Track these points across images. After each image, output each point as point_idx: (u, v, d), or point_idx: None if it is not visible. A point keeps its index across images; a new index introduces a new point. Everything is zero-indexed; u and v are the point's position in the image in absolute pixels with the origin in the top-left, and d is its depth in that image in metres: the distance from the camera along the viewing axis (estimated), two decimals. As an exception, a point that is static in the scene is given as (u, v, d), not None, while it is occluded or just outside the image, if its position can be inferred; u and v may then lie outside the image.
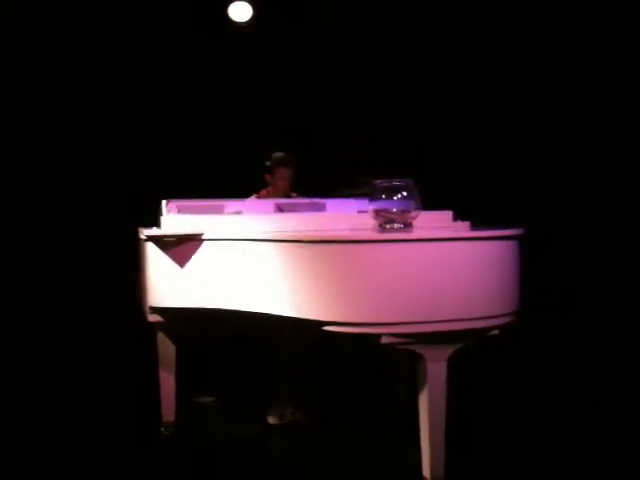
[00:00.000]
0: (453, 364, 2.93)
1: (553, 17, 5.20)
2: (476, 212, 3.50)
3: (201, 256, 3.40)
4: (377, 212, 3.13)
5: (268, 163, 4.41)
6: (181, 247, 3.43)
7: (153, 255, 3.53)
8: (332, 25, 5.79)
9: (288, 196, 4.36)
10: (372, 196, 3.15)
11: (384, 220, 3.11)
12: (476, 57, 5.51)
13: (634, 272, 4.97)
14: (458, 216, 3.60)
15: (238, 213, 3.76)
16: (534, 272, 3.58)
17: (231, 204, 3.81)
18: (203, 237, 3.37)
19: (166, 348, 3.84)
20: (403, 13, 5.65)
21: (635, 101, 4.99)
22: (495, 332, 2.94)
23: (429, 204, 3.29)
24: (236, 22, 5.82)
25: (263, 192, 4.45)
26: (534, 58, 5.31)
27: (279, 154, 4.42)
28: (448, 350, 2.90)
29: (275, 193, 4.37)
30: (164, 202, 3.68)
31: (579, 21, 5.10)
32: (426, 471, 2.96)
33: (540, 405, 4.06)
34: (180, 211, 3.65)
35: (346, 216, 3.64)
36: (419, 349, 2.86)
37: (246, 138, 5.81)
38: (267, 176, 4.42)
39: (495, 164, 5.25)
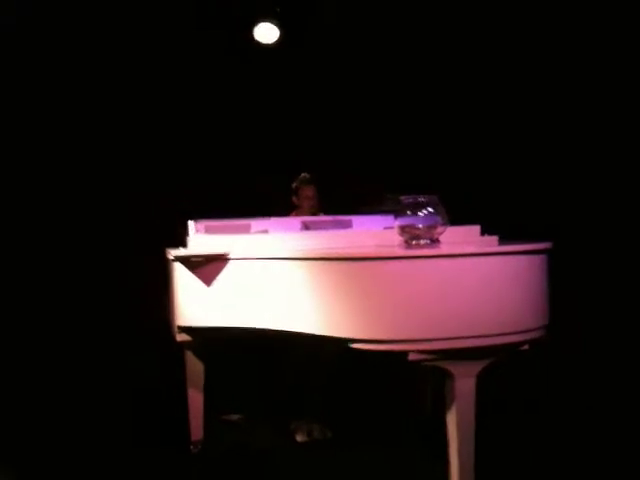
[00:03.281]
0: (483, 379, 2.90)
1: (568, 27, 5.17)
2: (504, 226, 3.47)
3: (228, 275, 3.42)
4: (403, 228, 3.12)
5: (294, 185, 4.45)
6: (208, 267, 3.45)
7: (180, 275, 3.56)
8: (354, 43, 5.81)
9: (316, 215, 4.38)
10: (398, 212, 3.15)
11: (410, 236, 3.10)
12: (503, 72, 5.49)
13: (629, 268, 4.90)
14: (486, 230, 3.57)
15: (264, 232, 3.78)
16: (562, 285, 3.54)
17: (258, 223, 3.84)
18: (230, 256, 3.39)
19: (194, 367, 3.86)
20: (426, 29, 5.66)
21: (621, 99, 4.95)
22: (525, 347, 2.91)
23: (456, 219, 3.28)
24: (262, 43, 5.87)
25: (292, 214, 4.47)
26: (558, 70, 5.28)
27: (302, 174, 4.47)
28: (477, 366, 2.87)
29: (302, 214, 4.39)
30: (191, 222, 3.72)
31: (589, 27, 5.05)
32: (456, 490, 2.92)
33: (569, 420, 3.99)
34: (207, 231, 3.68)
35: (372, 233, 3.64)
36: (447, 365, 2.83)
37: (272, 157, 5.84)
38: (294, 198, 4.46)
39: (522, 178, 5.22)
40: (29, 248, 5.49)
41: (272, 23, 5.80)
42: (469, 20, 5.53)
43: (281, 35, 5.82)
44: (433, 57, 5.67)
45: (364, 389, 4.61)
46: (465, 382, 2.85)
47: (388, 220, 3.53)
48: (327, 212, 4.42)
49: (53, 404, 4.60)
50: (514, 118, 5.41)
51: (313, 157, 5.39)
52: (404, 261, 2.79)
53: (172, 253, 3.53)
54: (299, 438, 3.93)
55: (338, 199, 4.39)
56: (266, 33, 5.82)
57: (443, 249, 2.95)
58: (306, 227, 3.85)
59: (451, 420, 2.90)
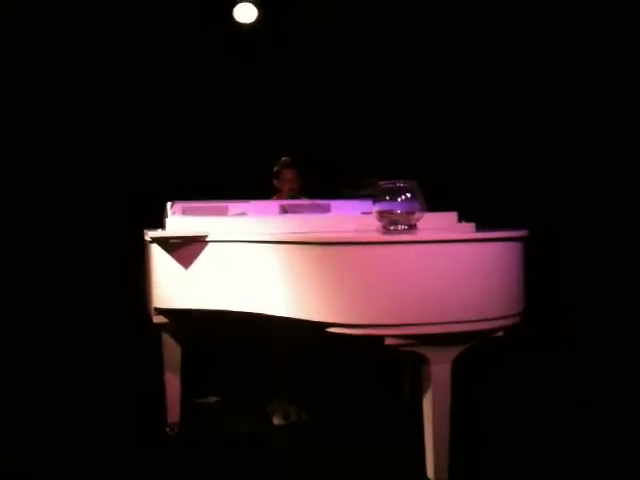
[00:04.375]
0: (458, 365, 2.93)
1: (558, 16, 5.18)
2: (481, 213, 3.49)
3: (205, 257, 3.41)
4: (381, 213, 3.13)
5: (275, 168, 4.44)
6: (186, 248, 3.44)
7: (158, 256, 3.54)
8: (335, 26, 5.78)
9: (297, 199, 4.37)
10: (376, 197, 3.16)
11: (388, 221, 3.11)
12: (479, 57, 5.49)
13: (629, 267, 4.95)
14: (463, 217, 3.59)
15: (242, 214, 3.77)
16: (538, 273, 3.58)
17: (235, 205, 3.83)
18: (207, 239, 3.38)
19: (171, 349, 3.86)
20: (405, 13, 5.64)
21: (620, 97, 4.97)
22: (500, 334, 2.95)
23: (434, 205, 3.29)
24: (241, 23, 5.82)
25: (274, 198, 4.46)
26: (536, 57, 5.28)
27: (283, 158, 4.45)
28: (453, 352, 2.91)
29: (283, 197, 4.38)
30: (169, 204, 3.70)
31: (583, 21, 5.08)
32: (430, 472, 2.97)
33: (544, 406, 4.05)
34: (185, 212, 3.66)
35: (350, 217, 3.64)
36: (423, 351, 2.86)
37: (251, 139, 5.82)
38: (275, 181, 4.44)
39: (499, 165, 5.24)
40: (5, 231, 5.43)
41: (251, 3, 5.75)
42: (449, 10, 5.52)
43: (260, 15, 5.77)
44: (413, 42, 5.65)
45: (342, 373, 4.64)
46: (441, 367, 2.89)
47: (366, 205, 3.54)
48: (308, 196, 4.42)
49: (29, 380, 4.59)
50: (491, 106, 5.42)
51: (292, 139, 5.36)
52: (382, 246, 2.80)
53: (149, 234, 3.51)
54: (276, 421, 3.95)
55: (317, 183, 4.37)
56: (245, 13, 5.77)
57: (421, 235, 2.97)
58: (284, 211, 3.85)
59: (427, 404, 2.94)
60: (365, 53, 5.76)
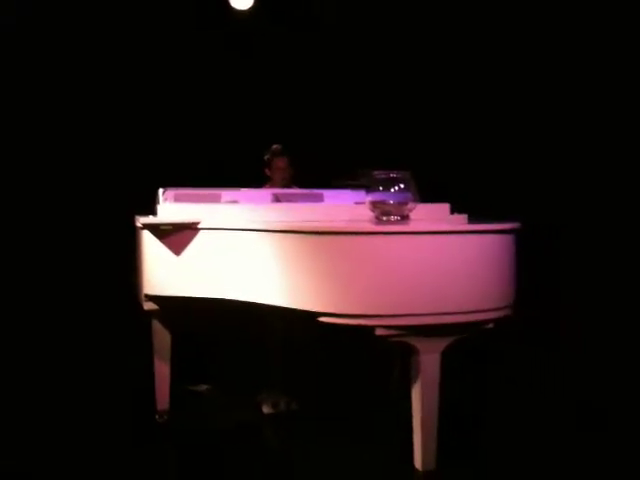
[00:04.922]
0: (448, 356, 2.94)
1: (547, 11, 5.17)
2: (473, 205, 3.50)
3: (197, 245, 3.40)
4: (374, 204, 3.13)
5: (266, 157, 4.42)
6: (177, 235, 3.43)
7: (149, 243, 3.52)
8: (331, 18, 5.77)
9: (289, 187, 4.35)
10: (369, 187, 3.15)
11: (381, 212, 3.11)
12: (473, 49, 5.49)
13: (630, 267, 4.96)
14: (455, 209, 3.60)
15: (234, 202, 3.76)
16: (531, 266, 3.58)
17: (228, 193, 3.81)
18: (199, 226, 3.37)
19: (161, 336, 3.85)
20: (395, 11, 5.64)
21: (625, 94, 4.96)
22: (490, 325, 2.96)
23: (426, 197, 3.29)
24: (237, 10, 5.78)
25: (266, 186, 4.44)
26: (530, 49, 5.28)
27: (274, 146, 4.43)
28: (442, 343, 2.92)
29: (275, 186, 4.37)
30: (161, 190, 3.68)
31: (573, 16, 5.07)
32: (417, 462, 2.98)
33: (532, 399, 4.07)
34: (177, 199, 3.64)
35: (343, 207, 3.64)
36: (413, 341, 2.87)
37: (245, 128, 5.79)
38: (267, 170, 4.43)
39: (492, 157, 5.24)
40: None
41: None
42: (440, 3, 5.52)
43: (255, 2, 5.73)
44: (408, 33, 5.64)
45: (333, 364, 4.64)
46: (430, 358, 2.90)
47: (360, 195, 3.53)
48: (300, 185, 4.40)
49: (18, 370, 4.57)
50: (487, 98, 5.42)
51: (285, 128, 5.34)
52: (374, 236, 2.80)
53: (141, 220, 3.49)
54: (265, 410, 3.95)
55: (310, 172, 4.36)
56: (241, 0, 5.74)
57: (413, 226, 2.97)
58: (277, 199, 3.84)
59: (416, 394, 2.95)
60: (359, 44, 5.75)
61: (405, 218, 3.10)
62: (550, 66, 5.23)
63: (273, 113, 5.74)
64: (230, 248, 3.26)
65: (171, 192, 3.68)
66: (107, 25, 5.61)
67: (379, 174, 3.15)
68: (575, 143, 5.15)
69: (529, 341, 4.84)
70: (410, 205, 3.10)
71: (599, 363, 4.51)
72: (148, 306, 3.67)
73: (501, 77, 5.39)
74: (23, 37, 5.45)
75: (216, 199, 3.76)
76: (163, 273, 3.51)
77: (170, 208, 3.54)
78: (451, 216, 3.58)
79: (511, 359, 4.74)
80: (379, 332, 2.80)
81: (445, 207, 3.62)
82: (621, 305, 4.86)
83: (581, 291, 5.01)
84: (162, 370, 3.86)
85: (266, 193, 3.91)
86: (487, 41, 5.40)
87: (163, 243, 3.47)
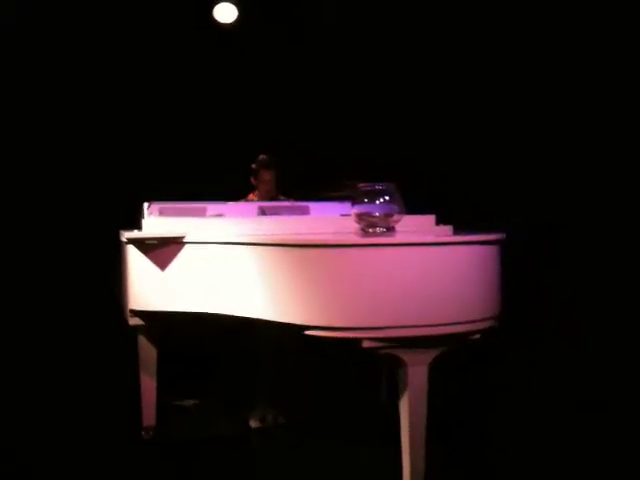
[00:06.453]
0: (435, 368, 2.93)
1: (542, 9, 5.18)
2: (458, 216, 3.50)
3: (182, 259, 3.38)
4: (360, 216, 3.13)
5: (253, 166, 4.41)
6: (162, 250, 3.41)
7: (134, 258, 3.50)
8: (317, 27, 5.78)
9: (275, 199, 4.35)
10: (355, 199, 3.15)
11: (366, 224, 3.11)
12: (462, 58, 5.50)
13: (629, 266, 4.97)
14: (440, 220, 3.60)
15: (220, 216, 3.74)
16: (516, 276, 3.59)
17: (213, 207, 3.80)
18: (184, 240, 3.35)
19: (147, 351, 3.81)
20: (383, 14, 5.65)
21: (623, 93, 4.98)
22: (477, 336, 2.95)
23: (412, 208, 3.29)
24: (221, 23, 5.79)
25: (251, 196, 4.44)
26: (522, 55, 5.27)
27: (262, 157, 4.42)
28: (429, 355, 2.90)
29: (261, 196, 4.36)
30: (146, 204, 3.66)
31: (569, 14, 5.08)
32: (406, 476, 2.96)
33: (523, 411, 4.06)
34: (162, 213, 3.62)
35: (329, 219, 3.64)
36: (400, 353, 2.85)
37: (231, 140, 5.79)
38: (253, 179, 4.42)
39: (477, 169, 5.26)
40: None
41: (231, 2, 5.73)
42: (432, 7, 5.54)
43: (240, 15, 5.75)
44: (395, 42, 5.66)
45: (321, 376, 4.63)
46: (418, 370, 2.88)
47: (345, 207, 3.53)
48: (286, 195, 4.39)
49: (2, 385, 4.52)
50: (474, 108, 5.43)
51: (271, 140, 5.34)
52: (359, 249, 2.79)
53: (125, 235, 3.47)
54: (252, 424, 3.93)
55: (296, 185, 4.36)
56: (225, 13, 5.75)
57: (399, 237, 2.96)
58: (262, 212, 3.83)
59: (404, 407, 2.92)
60: (345, 57, 5.76)
61: (391, 230, 3.10)
62: (546, 62, 5.21)
63: (258, 125, 5.75)
64: (216, 262, 3.24)
65: (156, 206, 3.66)
66: (90, 33, 5.60)
67: (364, 186, 3.15)
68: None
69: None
70: (396, 217, 3.10)
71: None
72: (134, 322, 3.64)
73: (492, 85, 5.38)
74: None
75: (201, 213, 3.74)
76: (149, 288, 3.48)
77: (155, 222, 3.52)
78: (437, 227, 3.59)
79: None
80: (366, 344, 2.79)
81: (431, 218, 3.62)
82: (621, 305, 4.86)
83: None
84: (148, 385, 3.82)
85: (252, 206, 3.90)
86: (474, 50, 5.42)
87: (148, 258, 3.45)
